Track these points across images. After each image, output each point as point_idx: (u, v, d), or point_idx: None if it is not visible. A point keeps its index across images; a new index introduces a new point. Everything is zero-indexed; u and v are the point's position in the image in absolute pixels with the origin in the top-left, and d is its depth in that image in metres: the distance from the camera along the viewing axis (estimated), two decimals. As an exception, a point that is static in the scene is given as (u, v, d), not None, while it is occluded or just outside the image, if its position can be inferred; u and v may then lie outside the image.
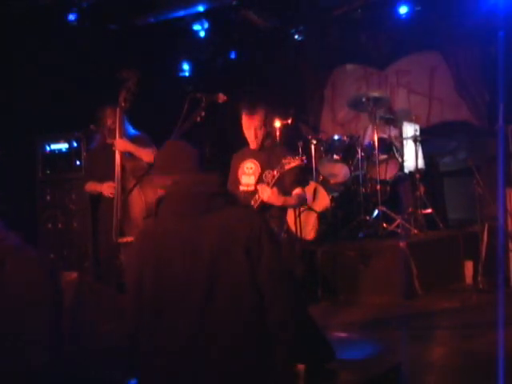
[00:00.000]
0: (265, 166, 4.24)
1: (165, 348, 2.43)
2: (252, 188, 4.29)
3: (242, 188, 4.37)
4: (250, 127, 4.30)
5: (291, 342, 2.47)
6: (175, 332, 2.42)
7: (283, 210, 4.31)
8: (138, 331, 2.53)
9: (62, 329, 2.86)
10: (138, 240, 2.61)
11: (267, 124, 4.37)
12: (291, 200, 4.24)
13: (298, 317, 2.53)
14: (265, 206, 4.12)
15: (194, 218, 2.47)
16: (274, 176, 4.04)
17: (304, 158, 4.02)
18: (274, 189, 4.05)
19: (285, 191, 4.18)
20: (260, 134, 4.31)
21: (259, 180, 4.25)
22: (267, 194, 4.04)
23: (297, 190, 4.24)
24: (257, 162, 4.34)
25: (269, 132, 4.44)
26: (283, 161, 4.00)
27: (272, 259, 2.45)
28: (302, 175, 4.34)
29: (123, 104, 4.74)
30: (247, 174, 4.37)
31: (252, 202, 4.12)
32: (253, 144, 4.35)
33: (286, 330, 2.45)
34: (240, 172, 4.40)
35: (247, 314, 2.41)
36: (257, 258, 2.43)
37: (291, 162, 3.98)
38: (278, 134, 6.68)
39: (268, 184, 4.04)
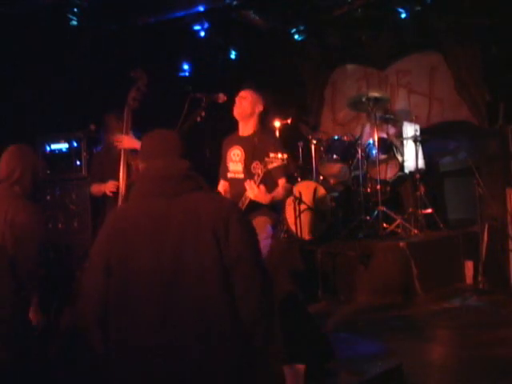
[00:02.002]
0: (249, 154, 4.24)
1: (132, 337, 2.38)
2: (241, 176, 4.29)
3: (230, 175, 4.38)
4: (239, 97, 4.31)
5: (264, 339, 2.40)
6: (141, 320, 2.38)
7: (273, 210, 4.29)
8: (102, 321, 2.46)
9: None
10: (107, 224, 2.57)
11: (256, 105, 4.34)
12: (278, 195, 4.24)
13: (269, 311, 2.43)
14: (254, 203, 4.12)
15: (162, 201, 2.46)
16: (259, 174, 4.03)
17: (286, 156, 4.00)
18: (261, 187, 4.04)
19: (272, 185, 4.18)
20: (244, 105, 4.29)
21: (247, 169, 4.23)
22: (254, 192, 4.04)
23: (282, 182, 4.24)
24: (242, 149, 4.33)
25: (259, 118, 4.38)
26: (266, 159, 3.99)
27: (240, 242, 2.39)
28: (286, 171, 4.33)
29: (132, 103, 4.74)
30: (234, 160, 4.38)
31: (242, 199, 4.11)
32: (236, 113, 4.33)
33: (257, 326, 2.39)
34: (228, 159, 4.42)
35: (216, 302, 2.35)
36: (224, 241, 2.37)
37: (273, 162, 3.97)
38: (276, 132, 6.69)
39: (255, 182, 4.04)
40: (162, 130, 2.79)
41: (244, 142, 4.35)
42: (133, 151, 4.81)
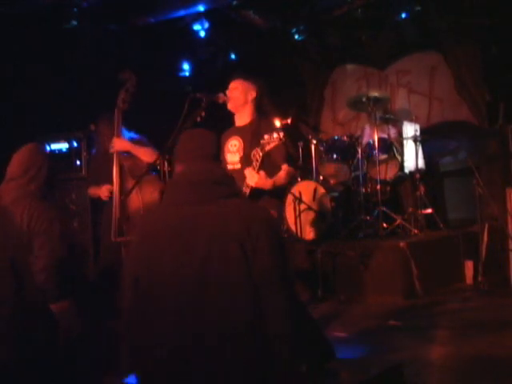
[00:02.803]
0: (248, 142, 4.21)
1: (160, 346, 2.37)
2: (238, 166, 4.26)
3: (228, 167, 4.34)
4: (230, 87, 4.29)
5: (289, 354, 2.37)
6: (169, 328, 2.35)
7: (276, 197, 4.27)
8: (133, 327, 2.47)
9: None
10: (137, 234, 2.56)
11: (248, 92, 4.32)
12: (280, 180, 4.19)
13: (296, 327, 2.41)
14: (257, 191, 4.10)
15: (191, 209, 2.41)
16: (257, 159, 3.99)
17: (282, 134, 3.96)
18: (261, 173, 4.00)
19: (273, 169, 4.14)
20: (236, 96, 4.27)
21: (245, 158, 4.20)
22: (254, 179, 4.00)
23: (284, 167, 4.20)
24: (240, 139, 4.30)
25: (254, 104, 4.35)
26: (261, 142, 3.94)
27: (268, 260, 2.33)
28: (285, 152, 4.28)
29: (122, 105, 4.75)
30: (232, 151, 4.34)
31: (243, 189, 4.08)
32: (230, 105, 4.31)
33: (283, 342, 2.36)
34: (226, 150, 4.38)
35: (241, 314, 2.31)
36: (251, 254, 2.31)
37: (270, 142, 3.93)
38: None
39: (254, 169, 4.00)
40: (201, 131, 2.73)
41: (241, 132, 4.32)
42: (124, 153, 4.82)
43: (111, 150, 4.79)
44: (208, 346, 2.32)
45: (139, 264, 2.47)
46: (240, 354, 2.30)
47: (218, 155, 2.65)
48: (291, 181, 4.89)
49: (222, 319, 2.31)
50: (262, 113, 4.39)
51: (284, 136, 3.92)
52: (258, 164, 3.98)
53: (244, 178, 4.04)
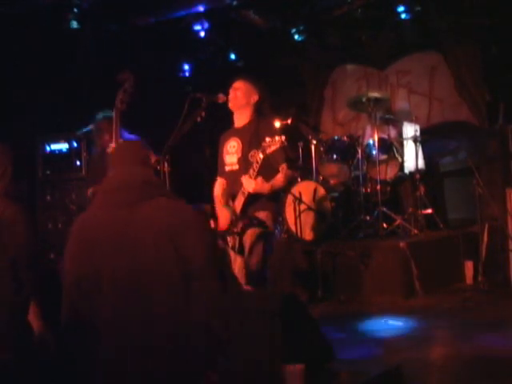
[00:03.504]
0: (246, 144, 4.20)
1: (96, 347, 2.42)
2: (236, 167, 4.27)
3: (227, 168, 4.35)
4: (234, 87, 4.29)
5: (217, 345, 2.43)
6: (105, 328, 2.41)
7: (272, 199, 4.28)
8: (70, 330, 2.51)
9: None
10: (71, 238, 2.59)
11: (250, 95, 4.32)
12: (279, 182, 4.19)
13: (222, 317, 2.46)
14: (254, 196, 4.10)
15: (121, 211, 2.48)
16: (257, 161, 3.99)
17: (284, 137, 3.96)
18: (258, 179, 4.01)
19: (273, 169, 4.14)
20: (238, 96, 4.26)
21: (243, 159, 4.20)
22: (251, 186, 4.02)
23: (282, 168, 4.18)
24: (239, 140, 4.29)
25: (254, 108, 4.35)
26: (263, 144, 3.95)
27: (197, 255, 2.40)
28: (286, 155, 4.27)
29: (120, 106, 4.75)
30: (230, 153, 4.34)
31: (240, 195, 4.09)
32: (231, 104, 4.30)
33: (215, 332, 2.42)
34: (224, 152, 4.38)
35: (177, 307, 2.37)
36: (181, 250, 2.39)
37: (271, 145, 3.93)
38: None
39: (251, 175, 4.01)
40: (127, 140, 2.89)
41: (240, 133, 4.32)
42: None
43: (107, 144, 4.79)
44: (144, 344, 2.38)
45: (74, 266, 2.52)
46: (177, 351, 2.36)
47: (146, 160, 2.72)
48: (290, 182, 4.88)
49: (159, 313, 2.37)
50: (261, 115, 4.39)
51: (286, 139, 3.94)
52: (257, 166, 3.99)
53: (241, 181, 4.07)
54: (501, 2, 6.93)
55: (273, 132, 4.11)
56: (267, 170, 4.09)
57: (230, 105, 4.32)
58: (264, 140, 3.96)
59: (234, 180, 4.22)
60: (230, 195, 4.23)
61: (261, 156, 3.96)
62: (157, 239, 2.40)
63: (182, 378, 2.38)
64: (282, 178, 4.19)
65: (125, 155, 2.70)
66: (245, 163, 4.15)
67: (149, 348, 2.37)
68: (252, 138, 4.19)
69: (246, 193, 4.06)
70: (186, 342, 2.37)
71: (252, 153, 4.09)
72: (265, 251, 4.11)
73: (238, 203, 4.11)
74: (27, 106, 6.57)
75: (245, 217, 4.08)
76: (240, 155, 4.25)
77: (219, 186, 4.43)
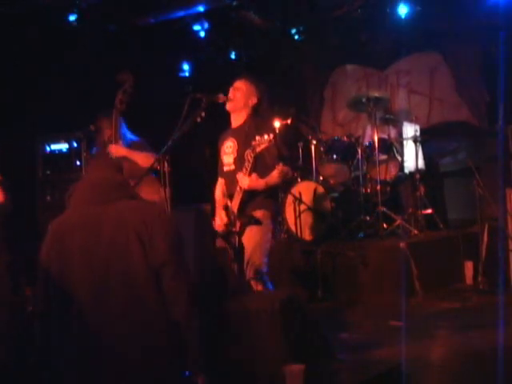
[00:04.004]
0: (241, 144, 4.22)
1: (70, 344, 2.52)
2: (233, 167, 4.28)
3: (225, 168, 4.37)
4: (233, 87, 4.29)
5: (195, 340, 2.54)
6: (78, 326, 2.51)
7: (270, 197, 4.28)
8: (45, 326, 2.62)
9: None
10: (47, 236, 2.69)
11: (249, 97, 4.32)
12: (273, 179, 4.18)
13: (195, 312, 2.57)
14: (250, 194, 4.11)
15: (94, 209, 2.63)
16: (249, 160, 4.02)
17: (272, 135, 3.98)
18: (253, 175, 4.04)
19: (267, 167, 4.14)
20: (237, 97, 4.27)
21: (238, 159, 4.22)
22: (246, 182, 4.03)
23: (278, 166, 4.19)
24: (234, 140, 4.31)
25: (252, 110, 4.35)
26: (253, 143, 3.98)
27: (164, 249, 2.54)
28: (276, 151, 4.27)
29: (119, 106, 4.75)
30: (227, 153, 4.36)
31: (237, 194, 4.10)
32: (229, 105, 4.31)
33: (187, 327, 2.53)
34: (222, 152, 4.41)
35: (145, 303, 2.50)
36: (149, 247, 2.52)
37: (261, 144, 3.97)
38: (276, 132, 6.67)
39: (245, 171, 4.03)
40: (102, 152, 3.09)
41: (236, 133, 4.33)
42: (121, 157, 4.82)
43: (109, 156, 4.79)
44: (116, 339, 2.49)
45: (49, 263, 2.62)
46: (150, 341, 2.49)
47: (119, 166, 2.92)
48: (288, 179, 4.87)
49: (128, 308, 2.50)
50: (258, 116, 4.39)
51: (274, 137, 3.95)
52: (249, 165, 4.01)
53: (237, 180, 4.08)
54: (501, 2, 6.92)
55: (263, 130, 4.12)
56: (261, 167, 4.11)
57: (229, 106, 4.32)
58: (254, 139, 3.98)
59: (231, 180, 4.24)
60: (229, 195, 4.24)
61: (252, 154, 3.99)
62: (126, 237, 2.54)
63: (155, 365, 2.47)
64: (276, 174, 4.18)
65: (98, 160, 2.92)
66: (240, 163, 4.16)
67: (121, 336, 2.48)
68: (246, 138, 4.21)
69: (242, 190, 4.07)
70: (158, 330, 2.50)
71: (247, 152, 4.10)
72: (264, 249, 4.12)
73: (235, 202, 4.12)
74: (27, 106, 6.57)
75: (243, 216, 4.09)
76: (236, 155, 4.27)
77: (219, 186, 4.44)
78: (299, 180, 6.61)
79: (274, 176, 4.18)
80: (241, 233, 4.09)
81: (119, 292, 2.50)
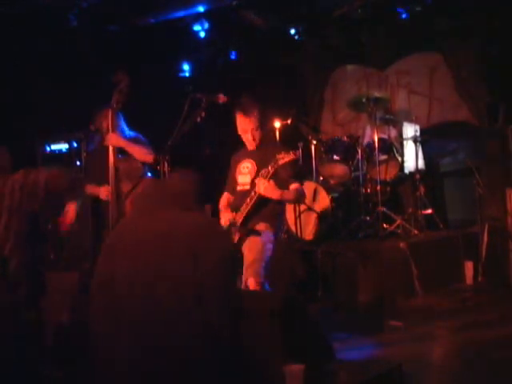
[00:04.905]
0: (260, 164, 4.26)
1: (120, 359, 2.48)
2: (248, 187, 4.30)
3: (239, 188, 4.39)
4: (247, 129, 4.32)
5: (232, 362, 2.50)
6: (127, 339, 2.47)
7: (276, 214, 4.30)
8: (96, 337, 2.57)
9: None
10: (108, 241, 2.68)
11: (263, 124, 4.38)
12: (288, 194, 4.23)
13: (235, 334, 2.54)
14: (261, 202, 4.12)
15: (146, 216, 2.58)
16: (269, 172, 4.05)
17: (297, 152, 4.05)
18: (271, 181, 4.06)
19: (282, 187, 4.18)
20: (257, 135, 4.33)
21: (255, 178, 4.26)
22: (264, 186, 4.05)
23: (294, 185, 4.24)
24: (253, 162, 4.36)
25: (265, 132, 4.45)
26: (277, 156, 4.03)
27: (213, 272, 2.46)
28: (297, 169, 4.35)
29: (115, 106, 4.76)
30: (243, 173, 4.39)
31: (247, 200, 4.12)
32: (251, 145, 4.37)
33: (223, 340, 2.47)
34: (237, 172, 4.43)
35: (188, 316, 2.43)
36: (199, 263, 2.44)
37: (285, 157, 4.01)
38: (276, 133, 6.69)
39: (265, 176, 4.06)
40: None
41: (255, 155, 4.39)
42: (119, 154, 4.82)
43: (105, 143, 4.80)
44: (158, 350, 2.43)
45: (98, 269, 2.61)
46: (189, 354, 2.43)
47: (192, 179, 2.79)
48: (300, 202, 4.94)
49: (170, 319, 2.44)
50: (264, 125, 4.47)
51: (300, 153, 4.01)
52: (270, 174, 4.05)
53: (247, 199, 4.12)
54: (501, 2, 6.93)
55: (286, 149, 4.19)
56: (277, 181, 4.15)
57: (252, 146, 4.38)
58: (279, 153, 4.05)
59: (242, 199, 4.26)
60: (234, 209, 4.26)
61: (273, 167, 4.04)
62: (177, 248, 2.46)
63: (192, 379, 2.43)
64: (293, 191, 4.25)
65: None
66: (254, 184, 4.21)
67: (162, 349, 2.42)
68: (266, 159, 4.23)
69: (255, 196, 4.09)
70: (200, 346, 2.43)
71: (262, 171, 4.14)
72: (265, 257, 4.10)
73: (242, 212, 4.14)
74: (27, 106, 6.57)
75: (242, 229, 4.10)
76: (253, 176, 4.29)
77: (225, 198, 4.49)
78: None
79: (291, 192, 4.23)
80: (239, 245, 4.10)
81: (165, 306, 2.44)
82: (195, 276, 2.43)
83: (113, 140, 4.75)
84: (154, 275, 2.46)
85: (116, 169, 4.76)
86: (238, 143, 4.68)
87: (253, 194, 4.12)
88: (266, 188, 4.06)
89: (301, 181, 4.39)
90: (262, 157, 4.28)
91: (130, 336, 2.46)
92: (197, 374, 2.43)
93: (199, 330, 2.43)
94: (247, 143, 4.40)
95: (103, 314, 2.54)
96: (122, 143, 4.79)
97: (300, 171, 4.36)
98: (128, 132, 4.94)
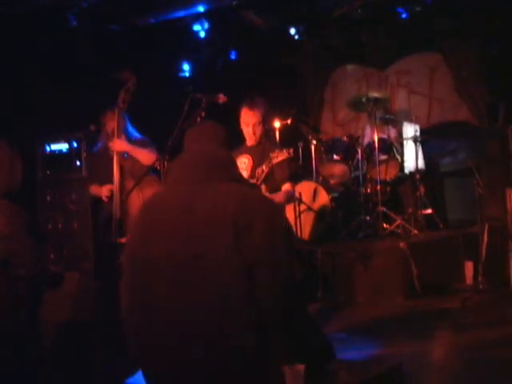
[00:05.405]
0: (257, 160, 4.28)
1: (159, 334, 2.36)
2: None
3: None
4: (249, 123, 4.34)
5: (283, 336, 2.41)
6: (166, 313, 2.35)
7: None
8: (132, 314, 2.46)
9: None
10: (137, 217, 2.56)
11: (266, 122, 4.41)
12: (279, 197, 4.25)
13: (290, 309, 2.46)
14: None
15: (191, 188, 2.42)
16: (263, 170, 4.06)
17: (291, 150, 4.03)
18: (262, 187, 4.08)
19: (275, 186, 4.19)
20: (258, 130, 4.36)
21: (251, 176, 4.27)
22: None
23: (286, 186, 4.26)
24: (250, 157, 4.39)
25: (266, 131, 4.48)
26: (271, 155, 4.05)
27: (261, 245, 2.32)
28: (292, 169, 4.35)
29: (122, 105, 4.77)
30: (240, 168, 4.40)
31: None
32: (250, 140, 4.39)
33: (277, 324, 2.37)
34: None
35: (231, 290, 2.30)
36: (244, 237, 2.30)
37: (279, 156, 4.02)
38: (276, 132, 6.70)
39: (257, 180, 4.07)
40: (206, 122, 2.80)
41: (251, 151, 4.43)
42: (124, 154, 4.83)
43: (111, 149, 4.80)
44: (205, 330, 2.31)
45: (137, 246, 2.47)
46: (233, 329, 2.29)
47: (224, 142, 2.64)
48: (290, 202, 4.95)
49: (213, 294, 2.30)
50: (266, 123, 4.48)
51: (293, 151, 4.01)
52: (263, 175, 4.05)
53: None
54: (501, 2, 6.93)
55: (281, 147, 4.22)
56: (271, 181, 4.17)
57: (251, 142, 4.38)
58: (273, 152, 4.03)
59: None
60: None
61: (267, 167, 4.04)
62: (221, 221, 2.32)
63: (236, 365, 2.33)
64: (282, 194, 4.28)
65: (201, 133, 2.64)
66: (252, 180, 4.22)
67: (205, 334, 2.30)
68: (263, 156, 4.28)
69: None
70: (244, 328, 2.31)
71: (258, 169, 4.15)
72: None
73: None
74: (27, 106, 6.56)
75: None
76: (250, 172, 4.32)
77: None
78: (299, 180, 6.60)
79: (280, 195, 4.25)
80: None
81: (204, 282, 2.29)
82: (239, 255, 2.28)
83: (117, 146, 4.77)
84: (196, 248, 2.32)
85: (121, 168, 4.77)
86: (238, 143, 4.68)
87: None
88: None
89: (294, 180, 4.40)
90: (259, 154, 4.30)
91: (171, 316, 2.34)
92: (242, 355, 2.32)
93: (249, 308, 2.29)
94: (247, 137, 4.41)
95: (141, 296, 2.41)
96: (127, 148, 4.81)
97: (296, 170, 4.36)
98: (134, 133, 4.95)
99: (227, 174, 2.47)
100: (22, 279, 3.04)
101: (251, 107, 4.34)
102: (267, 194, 4.14)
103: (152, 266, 2.39)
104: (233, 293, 2.30)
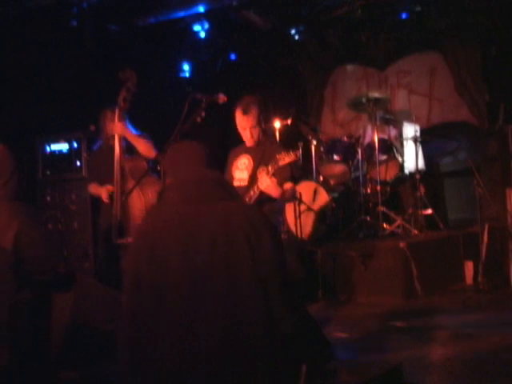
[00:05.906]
0: (258, 161, 4.29)
1: (162, 348, 2.36)
2: (245, 183, 4.34)
3: (235, 183, 4.42)
4: (246, 127, 4.35)
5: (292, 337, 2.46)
6: (174, 330, 2.36)
7: (274, 206, 4.33)
8: (133, 330, 2.44)
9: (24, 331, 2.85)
10: (138, 234, 2.57)
11: (262, 122, 4.41)
12: (287, 193, 4.30)
13: (296, 319, 2.51)
14: (262, 198, 4.15)
15: (193, 208, 2.45)
16: (269, 171, 4.07)
17: (298, 153, 4.05)
18: (273, 179, 4.09)
19: (280, 182, 4.22)
20: (255, 132, 4.36)
21: (252, 175, 4.28)
22: (266, 183, 4.07)
23: (287, 185, 4.28)
24: (250, 158, 4.39)
25: (264, 129, 4.48)
26: (277, 156, 4.04)
27: (269, 259, 2.40)
28: (295, 172, 4.38)
29: (122, 104, 4.77)
30: (240, 169, 4.43)
31: (247, 198, 4.15)
32: (249, 142, 4.40)
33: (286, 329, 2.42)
34: (234, 168, 4.47)
35: (249, 305, 2.35)
36: (256, 250, 2.37)
37: (285, 158, 4.02)
38: (276, 132, 6.71)
39: (268, 172, 4.08)
40: (184, 142, 2.79)
41: (252, 151, 4.43)
42: (125, 154, 4.84)
43: (111, 133, 4.81)
44: (214, 340, 2.33)
45: (141, 263, 2.46)
46: (248, 345, 2.34)
47: (210, 163, 2.67)
48: (288, 201, 4.98)
49: (229, 312, 2.34)
50: (265, 122, 4.48)
51: (300, 154, 4.03)
52: (271, 172, 4.06)
53: (249, 194, 4.13)
54: (501, 2, 6.93)
55: (286, 149, 4.23)
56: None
57: (250, 143, 4.38)
58: (279, 153, 4.05)
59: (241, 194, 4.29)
60: None
61: (273, 167, 4.05)
62: (231, 238, 2.38)
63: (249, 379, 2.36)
64: (287, 192, 4.33)
65: (188, 156, 2.65)
66: (254, 181, 4.23)
67: (217, 349, 2.34)
68: (264, 156, 4.31)
69: (257, 192, 4.12)
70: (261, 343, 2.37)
71: (260, 169, 4.16)
72: None
73: (248, 200, 4.17)
74: (27, 106, 6.57)
75: None
76: (250, 172, 4.33)
77: None
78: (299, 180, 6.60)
79: (288, 192, 4.26)
80: None
81: (221, 299, 2.35)
82: (255, 266, 2.35)
83: (119, 129, 4.77)
84: (209, 266, 2.36)
85: (122, 168, 4.78)
86: (238, 143, 4.69)
87: (255, 189, 4.14)
88: (269, 185, 4.09)
89: (295, 181, 4.43)
90: (260, 154, 4.31)
91: (178, 334, 2.36)
92: (254, 360, 2.36)
93: (262, 317, 2.35)
94: (246, 140, 4.43)
95: (145, 310, 2.42)
96: (128, 134, 4.82)
97: (299, 173, 4.39)
98: (134, 131, 4.95)
99: (227, 193, 2.53)
100: (35, 281, 3.04)
101: (245, 111, 4.34)
102: (278, 187, 4.16)
103: (166, 288, 2.40)
104: (252, 305, 2.36)
